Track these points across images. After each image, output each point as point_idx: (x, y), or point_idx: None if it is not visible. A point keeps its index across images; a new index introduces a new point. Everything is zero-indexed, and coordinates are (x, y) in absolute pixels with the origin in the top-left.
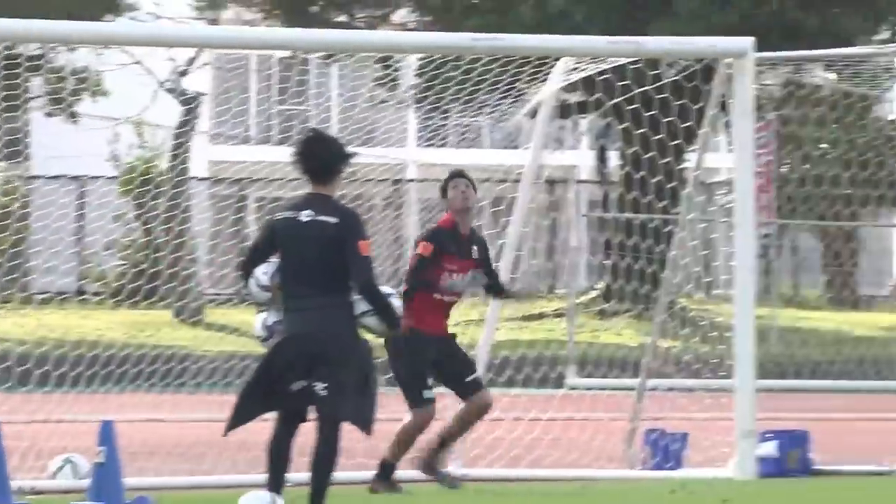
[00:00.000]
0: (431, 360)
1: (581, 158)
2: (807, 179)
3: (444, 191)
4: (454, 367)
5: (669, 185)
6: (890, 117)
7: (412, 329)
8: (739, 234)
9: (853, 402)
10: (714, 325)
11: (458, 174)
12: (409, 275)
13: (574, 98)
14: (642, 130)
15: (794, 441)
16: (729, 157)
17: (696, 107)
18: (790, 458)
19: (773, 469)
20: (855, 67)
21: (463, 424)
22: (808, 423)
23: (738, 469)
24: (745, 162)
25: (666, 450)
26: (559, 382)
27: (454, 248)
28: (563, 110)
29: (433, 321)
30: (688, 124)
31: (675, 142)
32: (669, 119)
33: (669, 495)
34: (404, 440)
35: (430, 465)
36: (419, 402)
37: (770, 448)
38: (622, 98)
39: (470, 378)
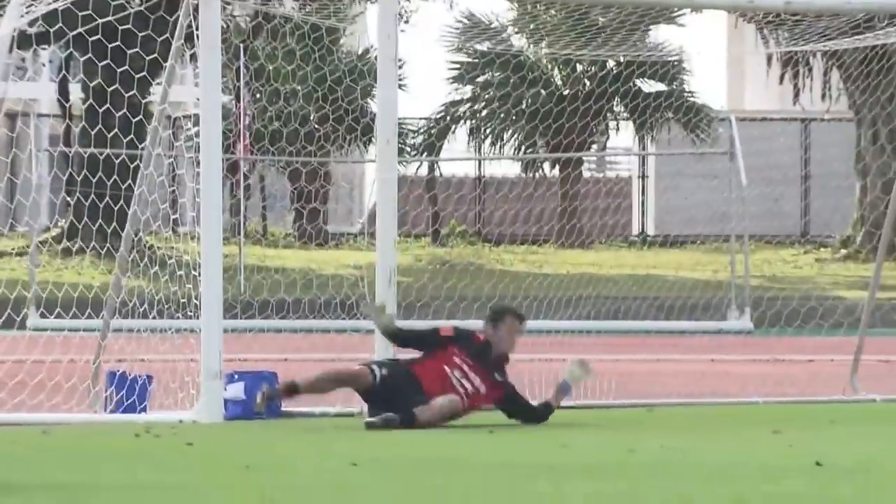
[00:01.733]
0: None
1: (42, 91)
2: (276, 116)
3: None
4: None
5: (135, 119)
6: (360, 50)
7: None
8: (205, 170)
9: (320, 341)
10: (181, 263)
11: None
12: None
13: (34, 29)
14: (106, 62)
15: (261, 382)
16: (197, 90)
17: (162, 38)
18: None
19: (240, 411)
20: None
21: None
22: (275, 364)
23: (204, 412)
24: (211, 96)
25: (130, 392)
26: (20, 324)
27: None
28: (22, 41)
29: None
30: (153, 56)
31: (140, 74)
32: (134, 51)
33: (134, 439)
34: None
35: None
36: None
37: (237, 390)
38: (84, 28)
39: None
